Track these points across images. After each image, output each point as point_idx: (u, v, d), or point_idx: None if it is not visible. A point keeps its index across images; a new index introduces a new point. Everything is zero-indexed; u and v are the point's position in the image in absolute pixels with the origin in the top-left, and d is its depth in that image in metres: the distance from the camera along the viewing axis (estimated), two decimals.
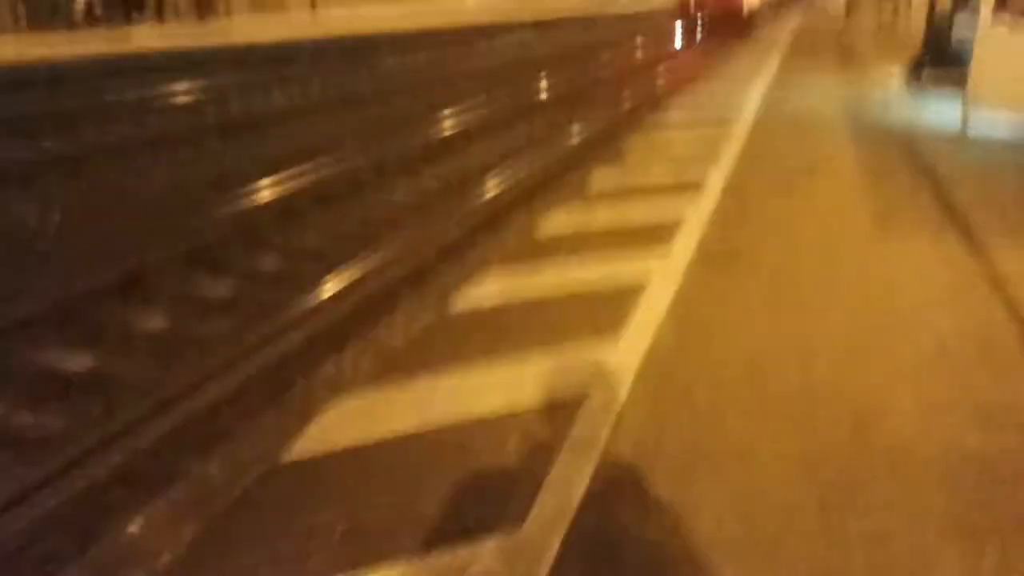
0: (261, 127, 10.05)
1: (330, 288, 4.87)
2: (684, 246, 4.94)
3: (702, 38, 24.58)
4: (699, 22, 25.25)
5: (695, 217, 5.55)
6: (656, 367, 3.41)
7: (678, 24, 25.79)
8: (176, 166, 8.22)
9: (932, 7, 13.97)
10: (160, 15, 16.63)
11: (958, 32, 11.66)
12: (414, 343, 3.79)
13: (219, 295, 5.18)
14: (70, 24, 13.24)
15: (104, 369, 4.20)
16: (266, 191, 6.99)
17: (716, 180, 6.60)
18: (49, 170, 7.68)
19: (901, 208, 6.04)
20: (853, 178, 6.94)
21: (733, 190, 6.35)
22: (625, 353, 3.53)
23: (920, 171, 7.26)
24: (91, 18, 13.50)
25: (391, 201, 7.16)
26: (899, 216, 5.84)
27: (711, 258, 4.75)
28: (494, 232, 5.93)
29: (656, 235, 5.16)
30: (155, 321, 4.78)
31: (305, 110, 11.17)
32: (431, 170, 8.17)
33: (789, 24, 31.60)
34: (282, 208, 6.65)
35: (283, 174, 7.42)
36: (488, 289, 4.34)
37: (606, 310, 3.99)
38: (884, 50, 19.32)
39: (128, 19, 14.36)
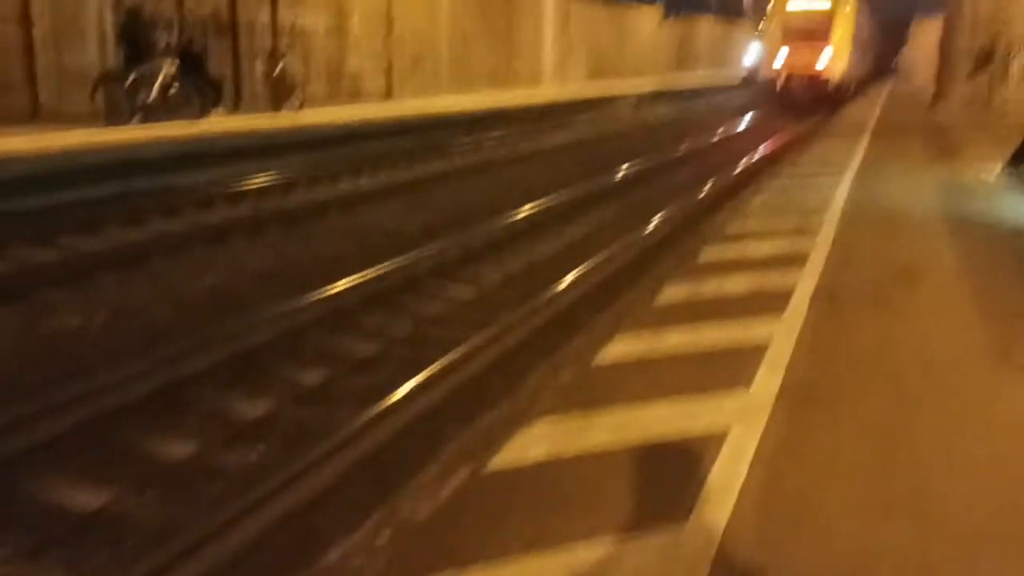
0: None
1: None
2: (767, 383, 4.20)
3: (790, 111, 25.96)
4: (787, 95, 27.08)
5: (780, 341, 4.81)
6: None
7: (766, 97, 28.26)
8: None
9: None
10: (237, 105, 16.80)
11: None
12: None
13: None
14: (136, 116, 13.25)
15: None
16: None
17: (802, 291, 5.85)
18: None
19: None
20: (959, 289, 6.11)
21: (822, 303, 5.60)
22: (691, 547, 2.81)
23: None
24: (161, 109, 13.51)
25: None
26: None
27: (800, 400, 4.00)
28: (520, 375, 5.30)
29: (733, 366, 4.44)
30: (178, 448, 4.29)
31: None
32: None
33: (878, 99, 31.54)
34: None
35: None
36: (534, 441, 3.67)
37: (670, 474, 3.29)
38: (979, 131, 18.29)
39: (204, 111, 14.40)
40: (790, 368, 4.38)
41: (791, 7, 27.75)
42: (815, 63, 27.03)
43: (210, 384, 5.20)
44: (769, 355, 4.58)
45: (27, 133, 11.46)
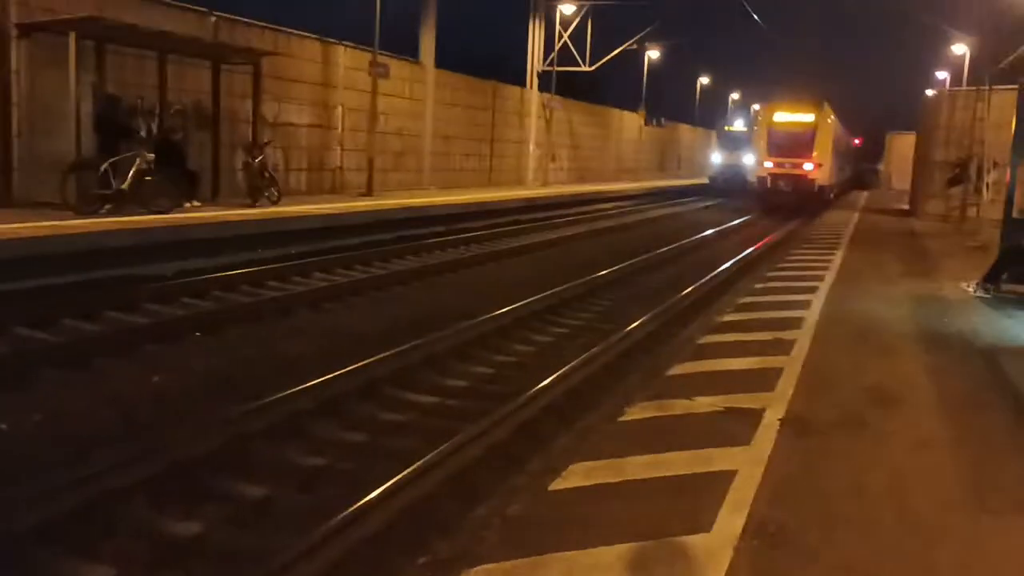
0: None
1: None
2: (729, 524, 3.88)
3: (776, 211, 28.84)
4: (775, 195, 30.17)
5: (745, 473, 4.52)
6: None
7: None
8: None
9: (1009, 202, 13.10)
10: (215, 196, 16.69)
11: None
12: None
13: None
14: (107, 206, 13.05)
15: None
16: None
17: (771, 415, 5.58)
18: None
19: (1006, 463, 4.94)
20: (935, 415, 5.87)
21: (791, 430, 5.33)
22: None
23: (1016, 403, 6.18)
24: (135, 199, 13.31)
25: None
26: (1005, 475, 4.74)
27: (763, 547, 3.69)
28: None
29: (695, 501, 4.14)
30: None
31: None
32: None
33: (856, 206, 32.99)
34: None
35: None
36: None
37: None
38: (954, 244, 18.41)
39: (179, 201, 14.24)
40: (754, 506, 4.07)
41: (777, 118, 30.81)
42: (801, 166, 29.98)
43: (140, 500, 4.84)
44: (734, 489, 4.29)
45: None
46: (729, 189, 39.50)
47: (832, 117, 32.18)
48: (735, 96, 67.34)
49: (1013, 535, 4.01)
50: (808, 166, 30.00)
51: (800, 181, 29.85)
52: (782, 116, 30.81)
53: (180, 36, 15.39)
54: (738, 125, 45.57)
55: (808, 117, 30.47)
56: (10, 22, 13.27)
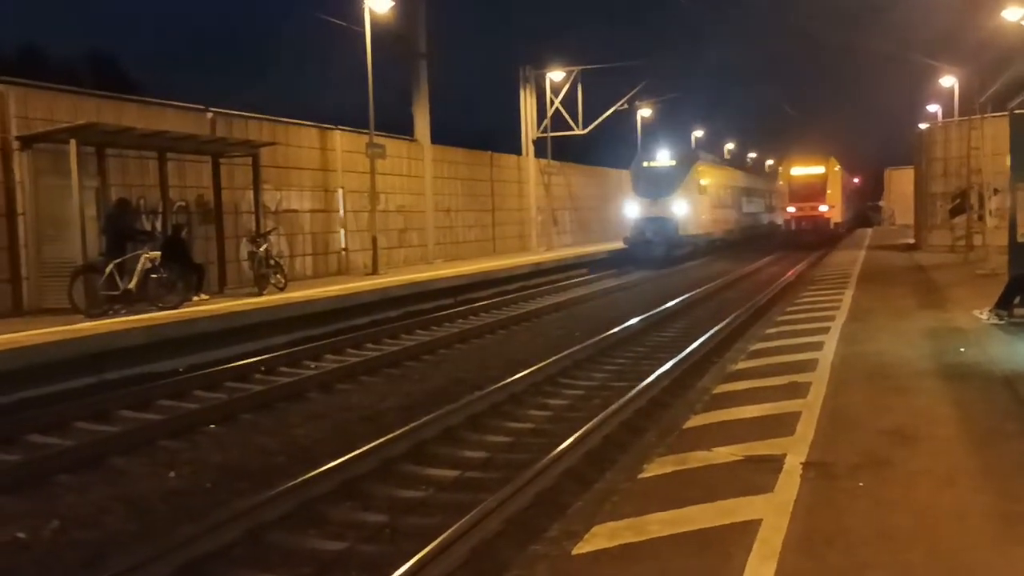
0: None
1: None
2: None
3: (799, 241, 37.17)
4: (798, 232, 38.42)
5: (771, 522, 4.42)
6: None
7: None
8: None
9: (1012, 227, 13.07)
10: (222, 288, 16.82)
11: None
12: None
13: None
14: (115, 307, 13.13)
15: None
16: None
17: (791, 462, 5.49)
18: None
19: None
20: (961, 448, 5.77)
21: (814, 473, 5.23)
22: None
23: None
24: (143, 297, 13.41)
25: None
26: None
27: None
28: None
29: (720, 555, 4.05)
30: None
31: None
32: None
33: (863, 242, 34.34)
34: None
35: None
36: None
37: None
38: (961, 274, 18.33)
39: (186, 296, 14.33)
40: (783, 556, 3.98)
41: (795, 172, 40.42)
42: (817, 208, 38.38)
43: None
44: (760, 540, 4.19)
45: (3, 330, 11.30)
46: (651, 254, 28.72)
47: (838, 167, 40.31)
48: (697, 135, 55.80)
49: None
50: (823, 208, 38.38)
51: (817, 220, 38.29)
52: (798, 170, 39.91)
53: (178, 134, 15.68)
54: (662, 158, 31.64)
55: (819, 169, 39.32)
56: (11, 136, 13.56)
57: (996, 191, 20.68)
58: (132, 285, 13.26)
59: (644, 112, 44.02)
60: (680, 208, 29.98)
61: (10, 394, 9.49)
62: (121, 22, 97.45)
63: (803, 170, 39.67)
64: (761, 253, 33.91)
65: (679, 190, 30.22)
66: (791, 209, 38.85)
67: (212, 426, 8.58)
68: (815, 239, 36.36)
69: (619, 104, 35.89)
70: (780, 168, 42.51)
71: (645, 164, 31.92)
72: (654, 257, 28.45)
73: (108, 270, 13.11)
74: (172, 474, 7.15)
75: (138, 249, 13.69)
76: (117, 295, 13.13)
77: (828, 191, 38.56)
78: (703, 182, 32.54)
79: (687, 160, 32.41)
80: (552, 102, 34.06)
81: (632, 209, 30.65)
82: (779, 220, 45.55)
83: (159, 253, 13.81)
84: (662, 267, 27.57)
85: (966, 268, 19.42)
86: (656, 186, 30.35)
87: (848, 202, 44.54)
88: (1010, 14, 20.85)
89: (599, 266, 28.03)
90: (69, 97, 14.94)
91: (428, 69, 26.61)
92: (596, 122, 35.55)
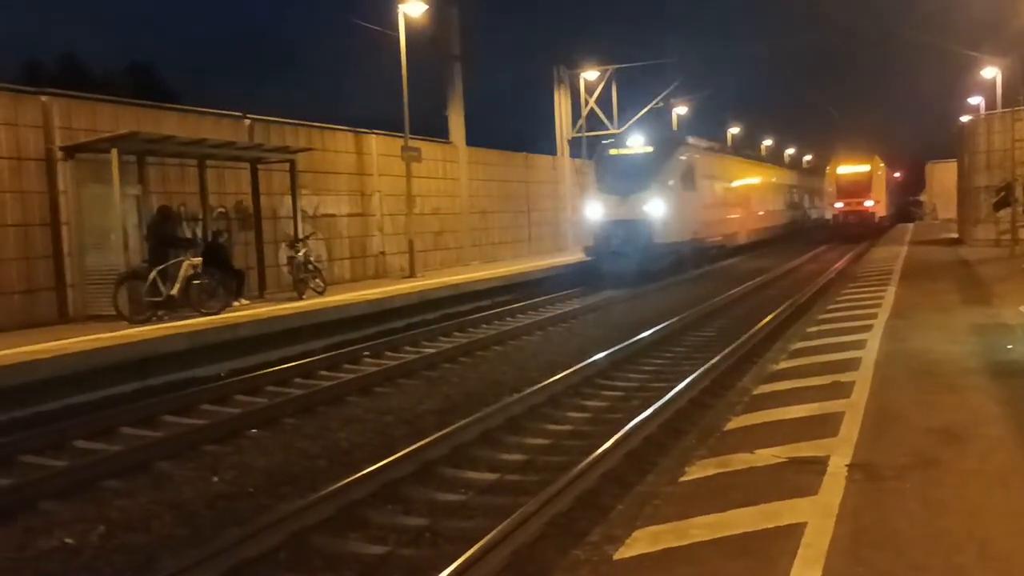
0: None
1: None
2: None
3: (844, 235, 40.00)
4: (845, 225, 41.65)
5: (816, 526, 4.36)
6: None
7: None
8: None
9: None
10: (262, 292, 16.98)
11: None
12: None
13: None
14: (158, 313, 13.32)
15: None
16: None
17: (836, 463, 5.41)
18: None
19: None
20: (1012, 447, 5.65)
21: (860, 474, 5.15)
22: None
23: None
24: (186, 303, 13.57)
25: None
26: None
27: None
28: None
29: (765, 559, 3.99)
30: None
31: None
32: None
33: (904, 236, 34.36)
34: None
35: None
36: None
37: None
38: (1007, 269, 17.96)
39: (227, 301, 14.46)
40: (829, 561, 3.92)
41: (841, 171, 43.11)
42: (863, 203, 41.76)
43: None
44: (805, 544, 4.13)
45: (49, 337, 11.52)
46: (617, 266, 22.12)
47: (881, 164, 43.59)
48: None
49: None
50: (868, 203, 41.95)
51: (863, 214, 41.79)
52: (845, 168, 42.90)
53: (217, 141, 15.85)
54: (635, 144, 25.23)
55: (865, 168, 42.49)
56: (55, 146, 13.81)
57: None
58: (175, 291, 13.43)
59: (680, 110, 43.70)
60: (656, 208, 22.83)
61: (59, 400, 9.68)
62: (158, 33, 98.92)
63: (849, 168, 42.78)
64: (787, 256, 30.59)
65: (655, 184, 23.17)
66: (839, 204, 42.53)
67: (254, 431, 8.66)
68: (861, 231, 39.58)
69: (654, 103, 35.63)
70: (828, 167, 45.08)
71: (612, 152, 25.07)
72: (626, 271, 21.79)
73: (151, 277, 13.30)
74: (215, 479, 7.23)
75: (180, 256, 13.87)
76: (160, 301, 13.31)
77: (873, 188, 42.20)
78: (692, 174, 25.47)
79: (668, 146, 25.37)
80: (587, 102, 33.97)
81: (594, 210, 23.44)
82: (815, 217, 50.25)
83: (201, 259, 13.98)
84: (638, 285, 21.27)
85: (1012, 263, 19.03)
86: (625, 180, 23.20)
87: (891, 197, 47.84)
88: None
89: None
90: (110, 107, 15.17)
91: (462, 71, 26.67)
92: (630, 121, 35.37)
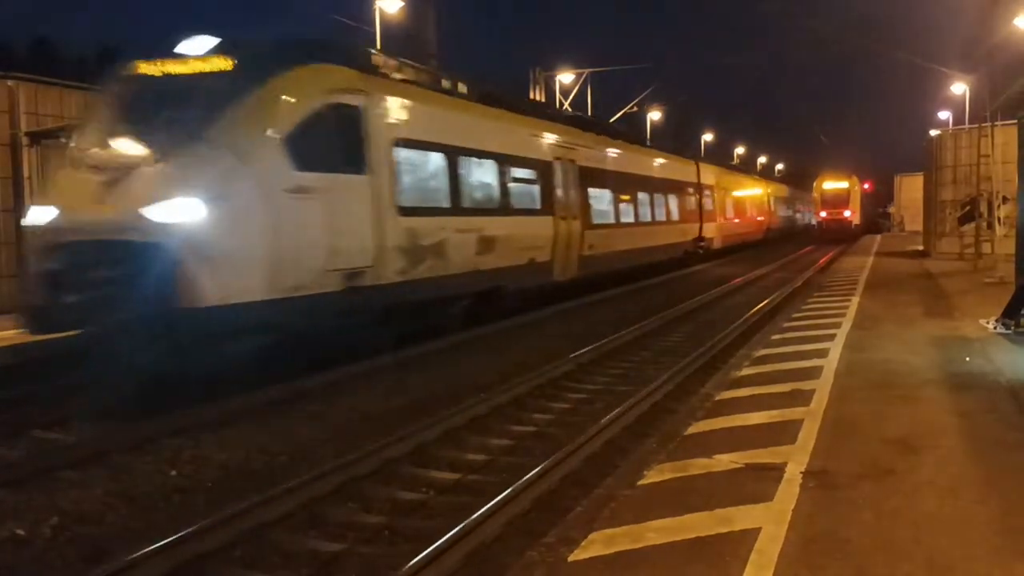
0: None
1: None
2: None
3: (826, 238, 47.96)
4: (826, 231, 50.21)
5: (769, 531, 4.40)
6: None
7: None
8: None
9: (1020, 235, 13.00)
10: None
11: None
12: None
13: None
14: None
15: None
16: None
17: (792, 470, 5.46)
18: None
19: None
20: (964, 458, 5.74)
21: (814, 482, 5.21)
22: None
23: None
24: None
25: None
26: None
27: None
28: None
29: (717, 564, 4.03)
30: None
31: None
32: None
33: (872, 247, 34.98)
34: None
35: None
36: None
37: None
38: (969, 282, 18.25)
39: None
40: (779, 567, 3.96)
41: (826, 186, 52.49)
42: (843, 212, 51.18)
43: None
44: (757, 550, 4.17)
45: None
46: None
47: (857, 182, 53.66)
48: None
49: None
50: (847, 213, 51.21)
51: (842, 222, 50.76)
52: (829, 185, 52.34)
53: None
54: (189, 46, 10.15)
55: (844, 184, 51.90)
56: (20, 131, 13.62)
57: (1005, 199, 20.59)
58: None
59: (654, 115, 44.02)
60: (193, 210, 8.63)
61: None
62: (129, 17, 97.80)
63: (832, 184, 52.32)
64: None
65: (205, 141, 9.06)
66: (823, 213, 52.01)
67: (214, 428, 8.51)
68: (840, 236, 47.29)
69: (628, 107, 35.87)
70: (814, 183, 54.71)
71: (136, 71, 10.34)
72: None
73: None
74: (172, 474, 7.13)
75: None
76: None
77: (850, 201, 51.54)
78: (388, 127, 11.38)
79: (269, 58, 10.14)
80: (562, 104, 34.05)
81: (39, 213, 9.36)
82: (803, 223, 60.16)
83: None
84: None
85: (975, 276, 19.33)
86: (138, 132, 9.32)
87: (863, 208, 56.30)
88: (1022, 21, 20.76)
89: None
90: (79, 94, 14.98)
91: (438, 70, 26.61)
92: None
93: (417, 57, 15.04)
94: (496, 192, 14.68)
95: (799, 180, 66.93)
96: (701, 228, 30.07)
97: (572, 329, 14.18)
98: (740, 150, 70.87)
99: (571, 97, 34.22)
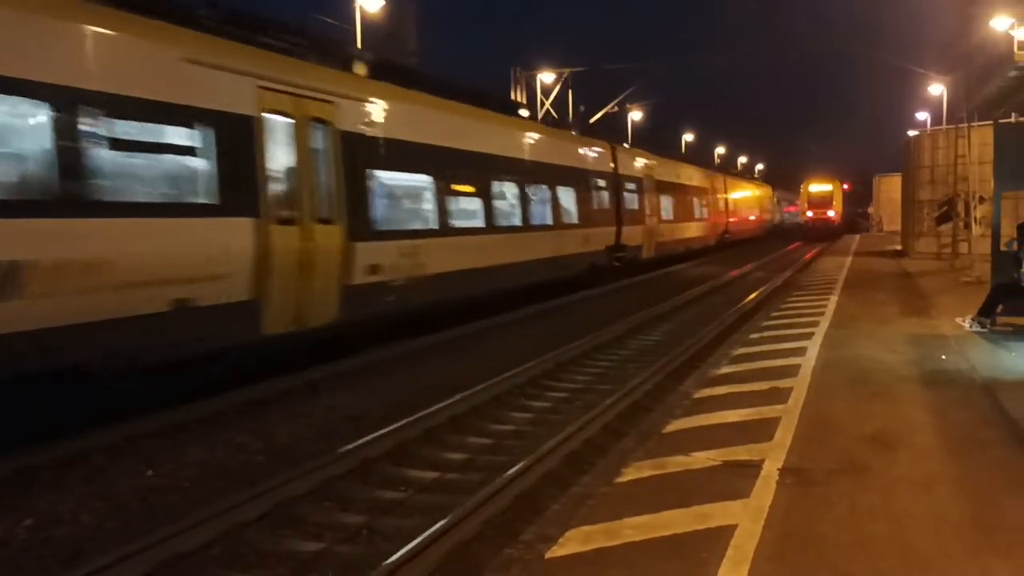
0: None
1: None
2: None
3: (810, 236, 51.34)
4: (811, 229, 54.30)
5: (746, 528, 4.43)
6: None
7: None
8: None
9: (995, 235, 13.14)
10: None
11: None
12: None
13: None
14: None
15: None
16: None
17: (769, 467, 5.50)
18: None
19: (1009, 501, 4.84)
20: (939, 455, 5.80)
21: (791, 479, 5.24)
22: None
23: (1017, 438, 6.10)
24: None
25: None
26: (1009, 513, 4.65)
27: None
28: None
29: (693, 560, 4.05)
30: None
31: None
32: None
33: (851, 246, 35.97)
34: None
35: None
36: None
37: None
38: (946, 281, 18.42)
39: None
40: (755, 563, 3.98)
41: (812, 189, 57.15)
42: (827, 212, 55.80)
43: None
44: (733, 546, 4.20)
45: None
46: None
47: (839, 184, 58.14)
48: None
49: (1021, 574, 3.92)
50: (831, 213, 55.88)
51: (827, 221, 55.16)
52: (814, 187, 57.10)
53: None
54: None
55: (828, 187, 56.83)
56: None
57: (982, 199, 20.79)
58: None
59: (635, 115, 44.13)
60: None
61: None
62: None
63: (818, 187, 57.24)
64: None
65: None
66: (809, 213, 56.59)
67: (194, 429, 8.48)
68: (824, 233, 51.16)
69: (609, 107, 35.92)
70: (801, 185, 59.41)
71: None
72: None
73: None
74: (150, 475, 7.09)
75: None
76: None
77: (834, 201, 56.27)
78: None
79: None
80: (543, 103, 34.07)
81: None
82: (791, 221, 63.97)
83: None
84: None
85: (951, 275, 19.51)
86: None
87: (844, 208, 60.08)
88: (998, 23, 20.95)
89: None
90: None
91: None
92: (587, 124, 35.57)
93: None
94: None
95: (774, 178, 68.31)
96: (619, 233, 22.60)
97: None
98: (720, 150, 71.20)
99: (552, 96, 34.22)
